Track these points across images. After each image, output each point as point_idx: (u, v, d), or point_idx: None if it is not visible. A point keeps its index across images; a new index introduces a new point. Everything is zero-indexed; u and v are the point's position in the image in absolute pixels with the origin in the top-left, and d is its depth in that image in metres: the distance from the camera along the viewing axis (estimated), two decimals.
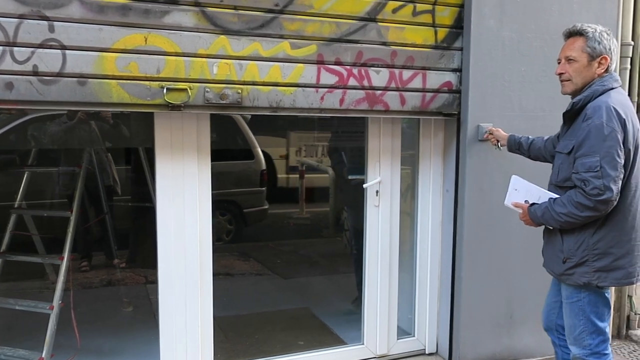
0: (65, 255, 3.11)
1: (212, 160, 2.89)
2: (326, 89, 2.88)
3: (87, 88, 2.46)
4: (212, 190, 2.89)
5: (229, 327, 3.85)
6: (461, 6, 3.11)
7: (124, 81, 2.51)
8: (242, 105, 2.73)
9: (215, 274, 2.94)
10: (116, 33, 2.48)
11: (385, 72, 2.99)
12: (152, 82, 2.56)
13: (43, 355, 2.90)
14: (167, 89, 2.58)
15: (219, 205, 6.64)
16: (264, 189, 6.99)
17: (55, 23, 2.39)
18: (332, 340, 3.69)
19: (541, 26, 3.22)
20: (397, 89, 3.03)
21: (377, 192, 3.28)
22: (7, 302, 3.16)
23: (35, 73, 2.38)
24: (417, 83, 3.07)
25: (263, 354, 3.35)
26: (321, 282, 5.30)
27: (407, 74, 3.04)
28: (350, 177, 4.01)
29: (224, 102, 2.69)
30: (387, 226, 3.34)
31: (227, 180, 6.48)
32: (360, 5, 2.90)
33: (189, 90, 2.62)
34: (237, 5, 2.66)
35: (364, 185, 3.29)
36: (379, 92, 2.99)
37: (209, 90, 2.66)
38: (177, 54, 2.59)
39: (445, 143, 3.38)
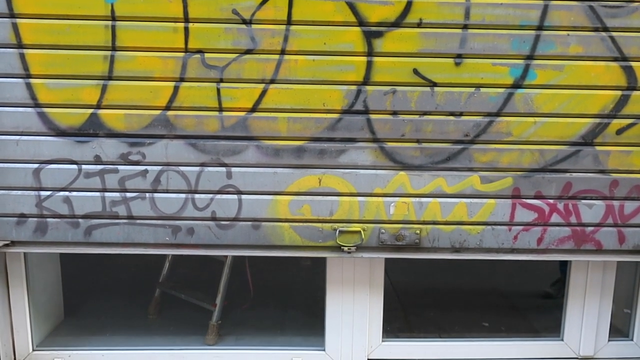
0: None
1: None
2: (521, 227, 2.44)
3: (261, 232, 2.42)
4: None
5: (406, 295, 3.57)
6: None
7: (297, 224, 2.41)
8: (420, 246, 2.45)
9: None
10: (290, 176, 2.37)
11: (600, 205, 2.43)
12: (324, 224, 2.42)
13: (217, 302, 2.96)
14: (339, 231, 2.42)
15: None
16: None
17: (232, 169, 2.36)
18: (523, 326, 3.16)
19: None
20: (614, 225, 2.45)
21: None
22: None
23: (213, 219, 2.40)
24: None
25: (440, 332, 3.02)
26: None
27: (630, 206, 2.43)
28: None
29: (400, 243, 2.44)
30: None
31: None
32: (573, 129, 2.36)
33: (362, 232, 2.42)
34: (421, 138, 2.35)
35: None
36: (590, 229, 2.45)
37: (384, 231, 2.43)
38: (351, 194, 2.39)
39: None
